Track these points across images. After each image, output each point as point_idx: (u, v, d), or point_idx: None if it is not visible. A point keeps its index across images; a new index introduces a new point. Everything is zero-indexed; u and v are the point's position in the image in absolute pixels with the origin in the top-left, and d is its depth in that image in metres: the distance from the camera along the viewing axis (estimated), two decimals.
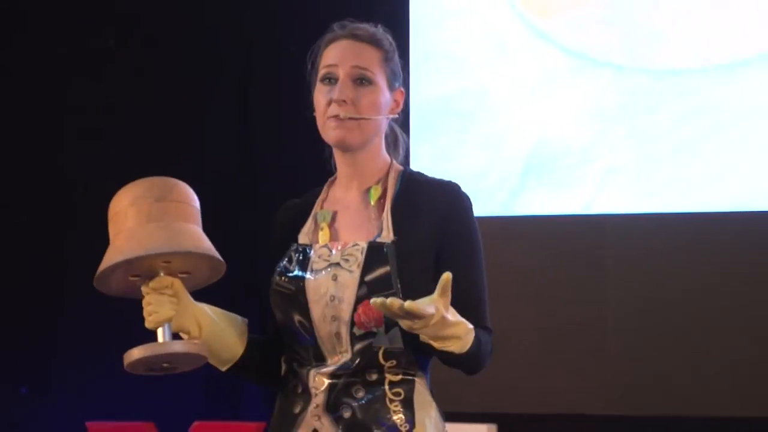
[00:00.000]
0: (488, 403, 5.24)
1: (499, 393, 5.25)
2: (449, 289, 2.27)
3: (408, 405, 2.42)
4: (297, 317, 2.44)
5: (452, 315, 2.30)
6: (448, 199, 2.50)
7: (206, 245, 2.34)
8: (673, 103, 5.24)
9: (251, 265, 4.73)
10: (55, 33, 5.85)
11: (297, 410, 2.44)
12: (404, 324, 2.27)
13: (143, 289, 2.36)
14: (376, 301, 2.23)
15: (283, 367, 2.51)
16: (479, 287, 2.50)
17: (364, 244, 2.44)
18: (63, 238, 5.80)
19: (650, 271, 5.21)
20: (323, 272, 2.43)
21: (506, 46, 5.38)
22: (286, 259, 2.48)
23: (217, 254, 2.35)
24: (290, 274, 2.45)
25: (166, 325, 2.35)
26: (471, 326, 2.36)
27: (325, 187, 2.58)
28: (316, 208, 2.54)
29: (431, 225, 2.47)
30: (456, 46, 5.42)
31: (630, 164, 5.26)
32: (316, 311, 2.43)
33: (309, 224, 2.52)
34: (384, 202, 2.50)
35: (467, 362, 2.41)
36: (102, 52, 5.84)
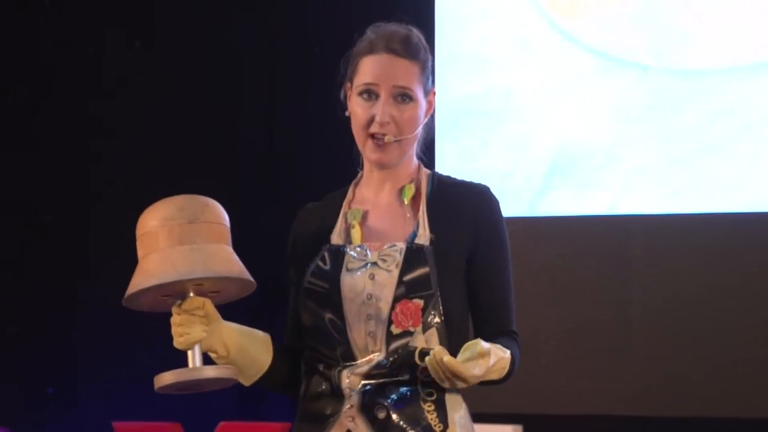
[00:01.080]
0: (514, 404, 5.23)
1: (525, 394, 5.24)
2: (489, 354, 2.31)
3: (441, 405, 2.43)
4: (329, 315, 2.44)
5: (493, 355, 2.34)
6: (479, 201, 2.51)
7: (238, 268, 2.33)
8: (699, 103, 5.22)
9: (275, 267, 4.74)
10: (82, 33, 5.87)
11: (328, 411, 2.44)
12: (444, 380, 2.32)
13: (174, 309, 2.35)
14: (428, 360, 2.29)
15: (303, 368, 2.51)
16: (507, 291, 2.52)
17: (402, 245, 2.45)
18: (87, 239, 5.82)
19: (675, 271, 5.20)
20: (359, 271, 2.44)
21: (531, 47, 5.38)
22: (319, 259, 2.48)
23: (248, 276, 2.34)
24: (324, 273, 2.45)
25: (197, 347, 2.34)
26: (508, 354, 2.39)
27: (351, 188, 2.58)
28: (345, 208, 2.54)
29: (464, 227, 2.48)
30: (481, 46, 5.41)
31: (655, 165, 5.25)
32: (351, 309, 2.42)
33: (340, 224, 2.52)
34: (418, 201, 2.50)
35: (501, 382, 2.46)
36: (128, 52, 5.85)
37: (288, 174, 5.61)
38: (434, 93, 2.55)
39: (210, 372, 2.31)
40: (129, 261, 6.06)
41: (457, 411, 2.46)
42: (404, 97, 2.46)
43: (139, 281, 2.29)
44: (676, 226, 5.21)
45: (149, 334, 5.57)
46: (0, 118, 5.90)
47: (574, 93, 5.33)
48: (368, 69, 2.48)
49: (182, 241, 2.29)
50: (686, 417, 5.16)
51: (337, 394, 2.44)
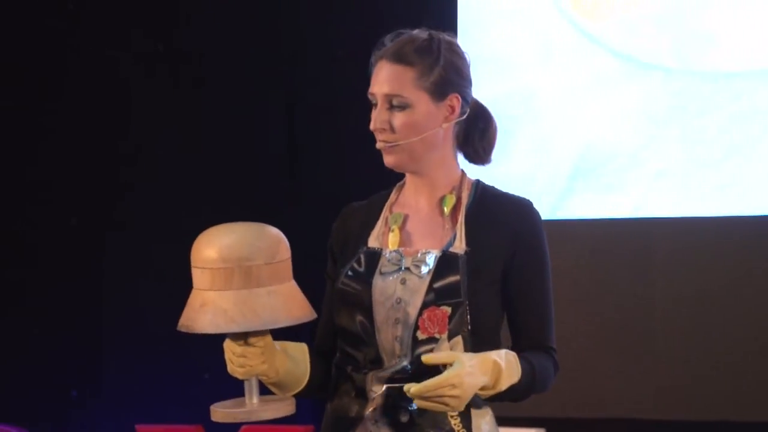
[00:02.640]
0: (536, 408, 5.21)
1: (548, 397, 5.21)
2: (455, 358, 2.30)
3: (465, 411, 2.42)
4: (359, 317, 2.45)
5: (479, 367, 2.32)
6: (520, 214, 2.51)
7: (310, 309, 2.31)
8: (724, 106, 5.20)
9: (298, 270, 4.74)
10: (110, 38, 5.88)
11: (352, 414, 2.45)
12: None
13: (237, 341, 2.31)
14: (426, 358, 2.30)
15: (333, 370, 2.52)
16: (545, 305, 2.51)
17: (437, 253, 2.45)
18: (111, 242, 5.83)
19: (699, 274, 5.18)
20: (392, 276, 2.44)
21: (554, 49, 5.37)
22: (355, 261, 2.49)
23: (314, 313, 2.33)
24: (357, 275, 2.46)
25: (255, 378, 2.34)
26: (501, 362, 2.35)
27: (394, 191, 2.60)
28: (386, 211, 2.55)
29: (502, 239, 2.47)
30: (504, 49, 5.41)
31: (679, 167, 5.23)
32: (380, 313, 2.43)
33: (379, 227, 2.54)
34: (457, 212, 2.51)
35: (520, 395, 2.43)
36: (151, 56, 5.87)
37: (311, 178, 5.61)
38: (458, 98, 2.52)
39: (268, 414, 2.31)
40: (153, 264, 6.08)
41: (483, 417, 2.46)
42: (397, 103, 2.47)
43: (218, 323, 2.23)
44: (699, 229, 5.19)
45: (172, 336, 5.59)
46: (24, 120, 5.93)
47: (597, 96, 5.32)
48: (372, 79, 2.52)
49: (260, 283, 2.23)
50: (711, 420, 5.14)
51: (361, 397, 2.45)
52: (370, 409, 2.43)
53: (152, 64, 5.86)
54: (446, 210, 2.51)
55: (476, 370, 2.31)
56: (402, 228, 2.51)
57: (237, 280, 2.22)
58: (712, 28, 5.21)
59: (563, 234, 5.28)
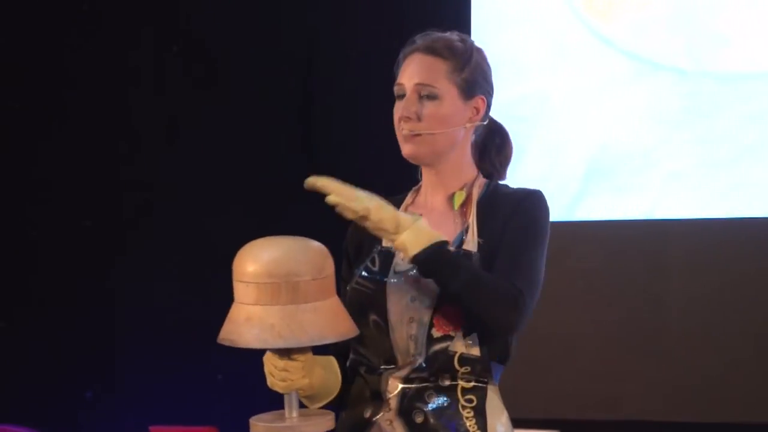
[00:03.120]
0: (551, 409, 5.22)
1: (562, 399, 5.23)
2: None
3: (480, 412, 2.43)
4: (373, 317, 2.45)
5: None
6: (522, 196, 2.51)
7: (352, 325, 2.31)
8: (737, 107, 5.19)
9: None
10: (124, 38, 5.89)
11: (367, 415, 2.45)
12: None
13: (278, 356, 2.31)
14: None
15: (348, 371, 2.52)
16: (526, 256, 2.44)
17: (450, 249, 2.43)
18: (126, 244, 5.85)
19: (714, 276, 5.17)
20: (406, 274, 2.44)
21: (567, 51, 5.36)
22: (369, 260, 2.50)
23: (357, 330, 2.33)
24: (372, 274, 2.46)
25: (295, 392, 2.33)
26: (403, 215, 2.35)
27: (410, 194, 2.61)
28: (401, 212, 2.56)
29: (503, 223, 2.47)
30: (517, 51, 5.40)
31: (693, 169, 5.22)
32: (395, 311, 2.43)
33: None
34: (468, 208, 2.51)
35: (439, 275, 2.36)
36: (164, 57, 5.88)
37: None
38: (484, 100, 2.56)
39: (311, 429, 2.29)
40: (168, 265, 6.08)
41: (497, 418, 2.45)
42: (427, 93, 2.48)
43: (265, 338, 2.21)
44: (713, 231, 5.18)
45: (186, 338, 5.60)
46: (41, 123, 5.94)
47: (610, 97, 5.31)
48: (402, 69, 2.53)
49: (307, 299, 2.22)
50: (726, 423, 5.13)
51: (377, 398, 2.45)
52: (386, 410, 2.43)
53: (166, 65, 5.87)
54: (456, 204, 2.52)
55: (384, 206, 2.34)
56: None
57: (284, 296, 2.21)
58: (725, 29, 5.21)
59: (577, 235, 5.28)
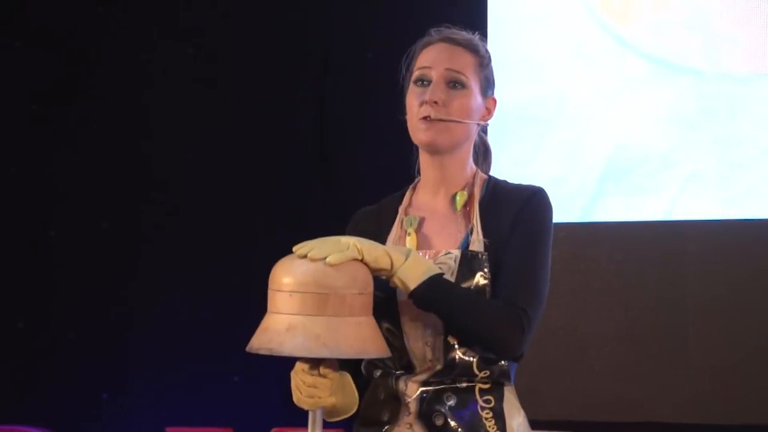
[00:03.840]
0: (567, 411, 5.20)
1: (578, 401, 5.21)
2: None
3: (498, 412, 2.41)
4: (386, 325, 2.41)
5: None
6: (524, 197, 2.47)
7: (385, 343, 2.30)
8: (755, 108, 5.17)
9: None
10: (140, 41, 5.90)
11: (385, 418, 2.43)
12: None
13: (309, 371, 2.29)
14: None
15: (363, 374, 2.50)
16: (529, 270, 2.41)
17: (457, 252, 2.42)
18: (141, 246, 5.85)
19: (732, 277, 5.15)
20: None
21: (585, 52, 5.35)
22: None
23: (389, 351, 2.32)
24: (380, 282, 2.38)
25: (320, 409, 2.32)
26: (394, 251, 2.32)
27: (408, 193, 2.56)
28: (401, 214, 2.52)
29: (509, 223, 2.44)
30: (534, 52, 5.39)
31: (711, 170, 5.20)
32: (408, 319, 2.40)
33: (395, 231, 2.51)
34: (470, 208, 2.48)
35: (432, 307, 2.34)
36: (180, 59, 5.88)
37: (342, 180, 5.61)
38: (495, 101, 2.54)
39: None
40: (184, 267, 6.08)
41: (515, 418, 2.44)
42: (456, 82, 2.46)
43: (310, 347, 2.20)
44: (732, 232, 5.16)
45: (202, 339, 5.60)
46: (57, 124, 5.95)
47: (628, 98, 5.30)
48: (423, 57, 2.50)
49: (352, 313, 2.22)
50: (742, 425, 5.11)
51: (394, 401, 2.43)
52: (405, 414, 2.42)
53: (181, 67, 5.87)
54: (458, 206, 2.48)
55: (373, 244, 2.30)
56: (419, 230, 2.49)
57: (331, 307, 2.20)
58: (742, 30, 5.19)
59: (595, 237, 5.26)
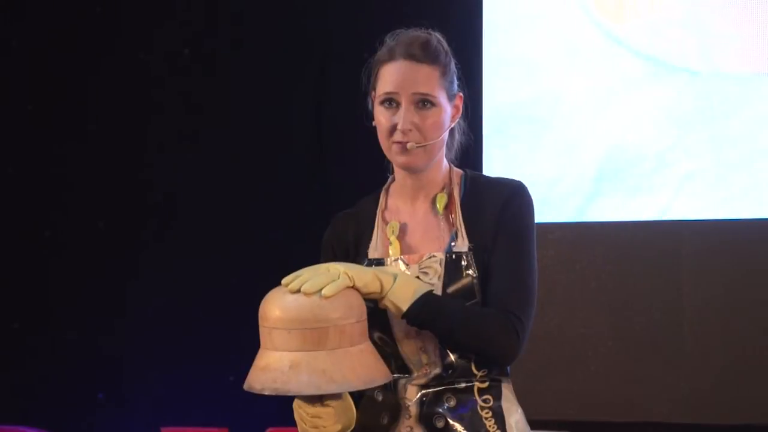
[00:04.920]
0: (563, 411, 5.20)
1: (575, 401, 5.21)
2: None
3: (498, 411, 2.41)
4: (377, 334, 2.40)
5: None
6: (507, 195, 2.45)
7: (386, 367, 2.28)
8: (750, 108, 5.17)
9: None
10: (138, 40, 5.90)
11: (384, 421, 2.43)
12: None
13: (311, 403, 2.26)
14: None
15: None
16: (518, 274, 2.40)
17: (441, 255, 2.41)
18: (137, 246, 5.85)
19: (727, 277, 5.15)
20: None
21: (580, 52, 5.35)
22: None
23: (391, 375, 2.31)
24: None
25: None
26: (384, 275, 2.30)
27: (382, 196, 2.55)
28: (379, 219, 2.51)
29: (491, 226, 2.43)
30: (529, 51, 5.39)
31: (707, 170, 5.21)
32: (399, 326, 2.39)
33: (377, 237, 2.49)
34: (451, 209, 2.46)
35: (427, 324, 2.33)
36: (177, 59, 5.88)
37: (338, 181, 5.61)
38: (461, 97, 2.51)
39: None
40: (179, 268, 6.08)
41: (513, 415, 2.45)
42: (425, 102, 2.42)
43: (318, 384, 2.15)
44: (728, 232, 5.16)
45: (197, 340, 5.60)
46: (54, 124, 5.95)
47: (623, 98, 5.30)
48: (388, 77, 2.46)
49: (353, 342, 2.19)
50: (739, 424, 5.11)
51: (393, 404, 2.43)
52: (406, 416, 2.41)
53: (179, 65, 5.87)
54: (439, 208, 2.47)
55: (362, 269, 2.28)
56: (401, 237, 2.47)
57: (332, 340, 2.17)
58: (738, 30, 5.19)
59: (590, 236, 5.26)
